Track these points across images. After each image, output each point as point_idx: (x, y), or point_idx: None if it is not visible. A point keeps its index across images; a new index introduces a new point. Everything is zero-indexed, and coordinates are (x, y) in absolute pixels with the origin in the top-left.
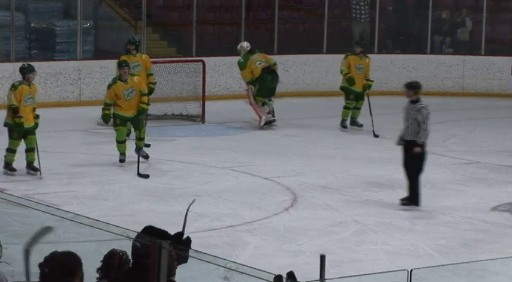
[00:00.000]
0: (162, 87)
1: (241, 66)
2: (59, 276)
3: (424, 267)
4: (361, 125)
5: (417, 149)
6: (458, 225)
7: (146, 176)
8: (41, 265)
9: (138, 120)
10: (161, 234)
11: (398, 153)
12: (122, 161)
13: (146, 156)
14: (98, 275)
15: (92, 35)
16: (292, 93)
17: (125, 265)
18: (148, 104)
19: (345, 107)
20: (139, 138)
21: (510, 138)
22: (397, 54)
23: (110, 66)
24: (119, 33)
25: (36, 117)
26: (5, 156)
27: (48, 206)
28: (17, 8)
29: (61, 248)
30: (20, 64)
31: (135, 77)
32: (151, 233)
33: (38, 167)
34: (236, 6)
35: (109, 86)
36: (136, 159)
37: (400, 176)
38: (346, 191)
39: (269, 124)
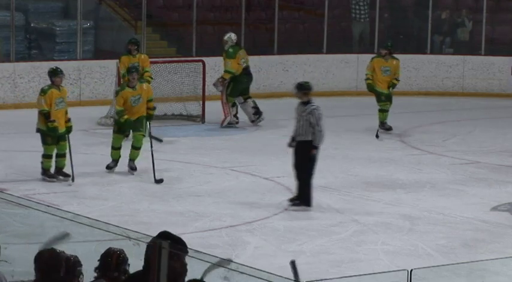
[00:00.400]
0: (162, 87)
1: (231, 55)
2: (46, 273)
3: (424, 267)
4: (390, 128)
5: (313, 152)
6: (458, 225)
7: (161, 181)
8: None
9: (139, 123)
10: (176, 240)
11: (398, 153)
12: (109, 167)
13: (134, 169)
14: (95, 274)
15: (92, 35)
16: (292, 93)
17: (123, 264)
18: (154, 109)
19: (380, 110)
20: (134, 147)
21: (510, 138)
22: (397, 54)
23: (110, 66)
24: (119, 33)
25: (68, 120)
26: (42, 163)
27: (48, 206)
28: (17, 8)
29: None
30: (20, 64)
31: (144, 84)
32: (166, 238)
33: (68, 172)
34: (236, 6)
35: (117, 93)
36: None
37: (400, 176)
38: (346, 191)
39: (231, 125)
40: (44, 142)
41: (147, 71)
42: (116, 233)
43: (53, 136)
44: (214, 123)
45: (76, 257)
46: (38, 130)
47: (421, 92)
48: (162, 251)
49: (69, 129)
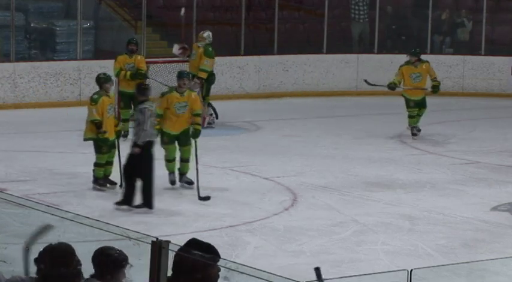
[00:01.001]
0: (162, 87)
1: (211, 54)
2: (51, 268)
3: (424, 267)
4: (419, 131)
5: (135, 150)
6: (458, 225)
7: (207, 198)
8: (36, 261)
9: (186, 137)
10: (207, 247)
11: (398, 153)
12: (172, 182)
13: (191, 183)
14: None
15: (92, 35)
16: (292, 93)
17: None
18: (200, 125)
19: (409, 116)
20: (183, 159)
21: (510, 138)
22: (397, 54)
23: (110, 66)
24: (119, 33)
25: (115, 125)
26: (94, 171)
27: (48, 206)
28: (17, 8)
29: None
30: (20, 64)
31: (193, 94)
32: (196, 245)
33: (115, 180)
34: (236, 6)
35: (163, 95)
36: (196, 183)
37: (400, 175)
38: (346, 191)
39: (210, 125)
40: (99, 151)
41: (141, 72)
42: (116, 233)
43: (107, 145)
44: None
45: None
46: (89, 139)
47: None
48: (162, 251)
49: (117, 134)
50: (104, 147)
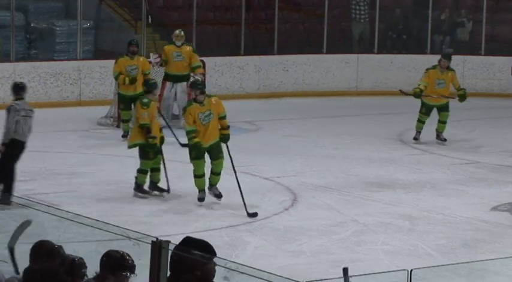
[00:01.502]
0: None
1: (195, 51)
2: (38, 264)
3: (424, 267)
4: (445, 140)
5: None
6: (458, 225)
7: (255, 215)
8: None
9: (217, 149)
10: (202, 245)
11: (398, 153)
12: (201, 199)
13: (219, 196)
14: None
15: (92, 35)
16: (292, 93)
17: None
18: (229, 128)
19: (418, 120)
20: (215, 172)
21: (510, 138)
22: (397, 54)
23: (110, 66)
24: (119, 33)
25: (160, 130)
26: (137, 178)
27: (48, 206)
28: (17, 8)
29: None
30: (20, 64)
31: (213, 99)
32: (191, 243)
33: (164, 187)
34: (236, 6)
35: (184, 110)
36: (241, 199)
37: (400, 175)
38: (346, 191)
39: None
40: (145, 157)
41: (147, 74)
42: (116, 233)
43: (154, 150)
44: None
45: (81, 258)
46: (136, 145)
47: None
48: (162, 251)
49: (162, 141)
50: (150, 152)
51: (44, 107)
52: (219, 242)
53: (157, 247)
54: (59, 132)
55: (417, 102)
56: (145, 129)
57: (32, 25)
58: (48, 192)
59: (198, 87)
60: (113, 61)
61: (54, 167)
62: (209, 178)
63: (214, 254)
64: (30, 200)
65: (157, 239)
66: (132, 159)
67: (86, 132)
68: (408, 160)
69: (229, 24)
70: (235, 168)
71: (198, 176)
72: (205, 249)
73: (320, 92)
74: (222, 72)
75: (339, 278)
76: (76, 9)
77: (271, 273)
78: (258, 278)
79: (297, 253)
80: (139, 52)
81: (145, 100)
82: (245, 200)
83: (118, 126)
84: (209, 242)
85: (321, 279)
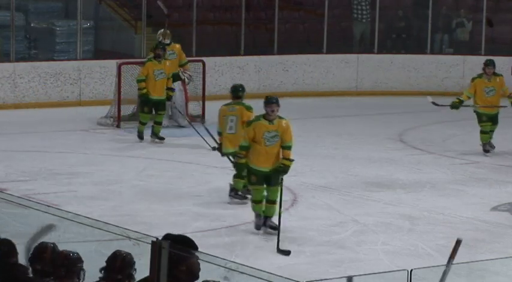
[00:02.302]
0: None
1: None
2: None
3: (424, 267)
4: (493, 147)
5: None
6: (458, 225)
7: (287, 253)
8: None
9: (276, 177)
10: (182, 240)
11: (398, 153)
12: (258, 227)
13: (275, 228)
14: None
15: (92, 35)
16: (292, 93)
17: (128, 268)
18: (292, 161)
19: (481, 131)
20: (270, 201)
21: (510, 138)
22: (397, 54)
23: (110, 66)
24: (119, 33)
25: None
26: (234, 183)
27: (48, 206)
28: (17, 8)
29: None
30: (20, 64)
31: (284, 121)
32: (173, 240)
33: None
34: (236, 6)
35: (249, 123)
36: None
37: (400, 175)
38: (346, 191)
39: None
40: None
41: (169, 78)
42: (116, 233)
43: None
44: (214, 123)
45: (77, 254)
46: (227, 154)
47: (421, 92)
48: (162, 251)
49: None
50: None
51: (44, 107)
52: (219, 242)
53: (157, 247)
54: (59, 132)
55: (418, 102)
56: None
57: (32, 25)
58: (48, 192)
59: (274, 102)
60: (113, 61)
61: (54, 167)
62: (264, 210)
63: (196, 248)
64: (30, 200)
65: (157, 239)
66: (132, 159)
67: (86, 132)
68: (408, 160)
69: (229, 24)
70: (281, 207)
71: (257, 201)
72: (187, 244)
73: (320, 92)
74: (222, 72)
75: (339, 278)
76: (76, 9)
77: (271, 273)
78: (258, 278)
79: (297, 253)
80: (138, 51)
81: (247, 104)
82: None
83: (118, 126)
84: (209, 242)
85: (321, 279)
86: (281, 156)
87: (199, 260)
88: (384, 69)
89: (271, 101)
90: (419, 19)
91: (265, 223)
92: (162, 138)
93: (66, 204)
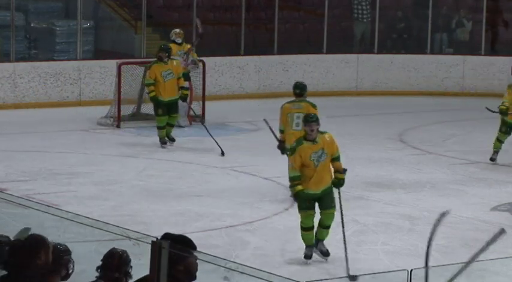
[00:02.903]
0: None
1: None
2: (20, 259)
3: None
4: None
5: None
6: (458, 225)
7: (356, 278)
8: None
9: (329, 197)
10: (181, 239)
11: (398, 153)
12: (307, 256)
13: (326, 254)
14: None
15: (92, 35)
16: (292, 93)
17: (124, 265)
18: (345, 172)
19: (497, 139)
20: (324, 226)
21: (510, 138)
22: (397, 54)
23: (110, 66)
24: (119, 33)
25: None
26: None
27: (48, 206)
28: (17, 8)
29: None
30: (20, 64)
31: (326, 135)
32: (172, 239)
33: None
34: (236, 6)
35: (293, 151)
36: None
37: (400, 175)
38: (346, 191)
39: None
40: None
41: (180, 78)
42: (116, 233)
43: None
44: (214, 124)
45: (64, 245)
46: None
47: (421, 92)
48: (162, 251)
49: None
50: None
51: (44, 107)
52: (219, 242)
53: (157, 247)
54: (59, 132)
55: (418, 102)
56: None
57: (32, 25)
58: (48, 192)
59: (317, 121)
60: (113, 61)
61: (54, 167)
62: (317, 233)
63: (194, 248)
64: (30, 200)
65: (157, 239)
66: (132, 159)
67: (86, 132)
68: (408, 160)
69: (229, 24)
70: (344, 221)
71: (306, 228)
72: (186, 244)
73: (320, 92)
74: (222, 72)
75: (339, 278)
76: (76, 9)
77: (271, 273)
78: (258, 278)
79: (297, 253)
80: (138, 51)
81: (312, 101)
82: (245, 199)
83: (118, 126)
84: (209, 242)
85: (321, 279)
86: (332, 170)
87: (198, 260)
88: (384, 69)
89: (310, 120)
90: (419, 19)
91: (316, 246)
92: (173, 140)
93: (66, 204)
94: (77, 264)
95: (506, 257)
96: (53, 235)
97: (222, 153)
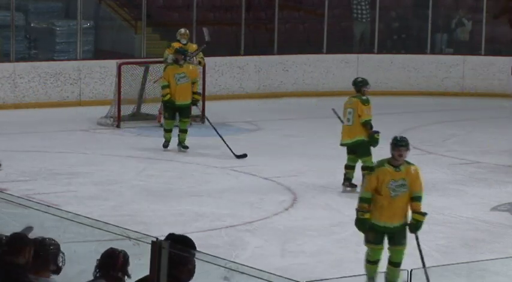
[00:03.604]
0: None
1: None
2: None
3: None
4: None
5: None
6: (458, 225)
7: None
8: None
9: (402, 234)
10: (186, 240)
11: None
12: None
13: None
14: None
15: (92, 35)
16: (292, 93)
17: (127, 265)
18: (424, 215)
19: None
20: (394, 263)
21: (510, 138)
22: (397, 54)
23: (110, 66)
24: (119, 33)
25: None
26: (348, 173)
27: (48, 206)
28: (17, 8)
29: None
30: (20, 64)
31: (412, 167)
32: (175, 240)
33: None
34: (236, 6)
35: (371, 171)
36: None
37: None
38: (346, 191)
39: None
40: (368, 154)
41: (195, 82)
42: (116, 233)
43: (375, 145)
44: (214, 124)
45: (52, 239)
46: (356, 142)
47: (421, 92)
48: (162, 251)
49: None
50: (369, 150)
51: (44, 107)
52: (219, 242)
53: (157, 247)
54: (59, 132)
55: (418, 102)
56: (369, 126)
57: (32, 25)
58: (48, 192)
59: (407, 146)
60: (113, 61)
61: (54, 167)
62: (386, 272)
63: (195, 248)
64: (30, 200)
65: (157, 239)
66: (132, 159)
67: (86, 132)
68: (408, 160)
69: (229, 24)
70: (424, 261)
71: (372, 262)
72: (189, 244)
73: (320, 92)
74: (222, 72)
75: (339, 278)
76: (76, 9)
77: (271, 273)
78: (258, 278)
79: (297, 253)
80: (138, 51)
81: (364, 98)
82: (245, 199)
83: (118, 126)
84: (209, 242)
85: (321, 279)
86: (409, 209)
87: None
88: (384, 69)
89: (399, 144)
90: (419, 19)
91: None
92: (185, 147)
93: (66, 204)
94: (77, 264)
95: (506, 257)
96: (53, 235)
97: (237, 156)
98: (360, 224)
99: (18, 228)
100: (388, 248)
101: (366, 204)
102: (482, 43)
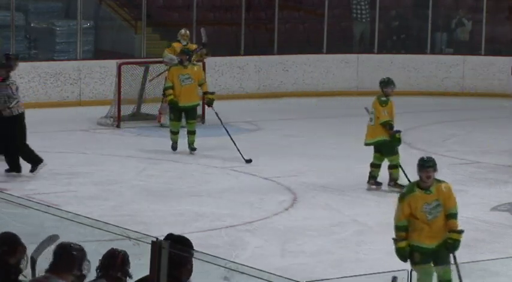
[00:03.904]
0: (162, 87)
1: None
2: None
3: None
4: None
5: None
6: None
7: None
8: None
9: (446, 255)
10: (184, 240)
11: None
12: None
13: None
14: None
15: (92, 35)
16: (292, 93)
17: (127, 265)
18: (461, 233)
19: None
20: (445, 281)
21: (510, 138)
22: (397, 54)
23: (110, 66)
24: (119, 33)
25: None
26: (373, 171)
27: (48, 206)
28: (17, 8)
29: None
30: (20, 64)
31: (443, 185)
32: (174, 240)
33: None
34: (236, 6)
35: (402, 196)
36: None
37: (400, 175)
38: (346, 191)
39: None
40: (392, 153)
41: (203, 84)
42: (116, 233)
43: (398, 145)
44: (214, 124)
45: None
46: (377, 142)
47: (421, 92)
48: (162, 251)
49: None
50: (396, 147)
51: (44, 107)
52: (219, 242)
53: (157, 247)
54: (59, 132)
55: (418, 102)
56: (389, 126)
57: (32, 25)
58: (48, 192)
59: (434, 167)
60: (113, 61)
61: (54, 167)
62: None
63: (193, 248)
64: (30, 200)
65: (157, 239)
66: (132, 159)
67: (86, 132)
68: (408, 160)
69: (229, 24)
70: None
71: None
72: (187, 244)
73: (320, 92)
74: (222, 72)
75: (339, 278)
76: (76, 9)
77: (271, 273)
78: (258, 278)
79: (297, 253)
80: (138, 51)
81: (383, 98)
82: (245, 199)
83: (118, 126)
84: (209, 242)
85: (321, 279)
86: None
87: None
88: (384, 69)
89: (426, 165)
90: (419, 19)
91: None
92: (193, 149)
93: (66, 204)
94: None
95: (506, 257)
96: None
97: (247, 161)
98: (398, 253)
99: (18, 228)
100: (435, 270)
101: (402, 232)
102: (482, 43)
